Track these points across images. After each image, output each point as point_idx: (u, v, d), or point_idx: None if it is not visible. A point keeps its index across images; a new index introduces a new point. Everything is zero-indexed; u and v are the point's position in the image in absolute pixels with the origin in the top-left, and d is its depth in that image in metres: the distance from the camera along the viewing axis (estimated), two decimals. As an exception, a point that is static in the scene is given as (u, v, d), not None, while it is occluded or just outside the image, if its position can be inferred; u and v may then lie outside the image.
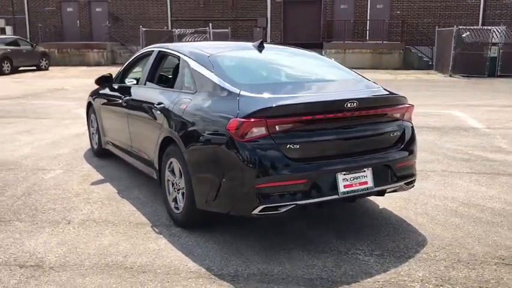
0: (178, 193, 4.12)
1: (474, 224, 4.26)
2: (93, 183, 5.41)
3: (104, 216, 4.45)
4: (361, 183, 3.67)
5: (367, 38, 25.06)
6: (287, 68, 4.58)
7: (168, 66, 5.15)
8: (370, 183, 3.71)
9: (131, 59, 5.73)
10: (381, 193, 3.93)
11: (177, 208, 4.14)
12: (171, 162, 4.17)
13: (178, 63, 4.56)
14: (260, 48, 4.59)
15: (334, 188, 3.57)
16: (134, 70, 5.77)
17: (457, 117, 9.84)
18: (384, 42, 23.94)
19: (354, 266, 3.48)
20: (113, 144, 5.87)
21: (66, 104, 11.67)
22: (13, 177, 5.64)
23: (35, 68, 22.29)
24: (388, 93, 4.11)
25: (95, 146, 6.55)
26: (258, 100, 3.57)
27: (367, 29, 25.32)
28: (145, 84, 5.01)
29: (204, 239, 3.93)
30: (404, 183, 3.99)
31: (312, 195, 3.51)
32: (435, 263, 3.53)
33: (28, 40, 24.31)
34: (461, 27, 20.15)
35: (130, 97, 5.12)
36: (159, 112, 4.36)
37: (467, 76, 19.23)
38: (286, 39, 25.57)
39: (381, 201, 4.76)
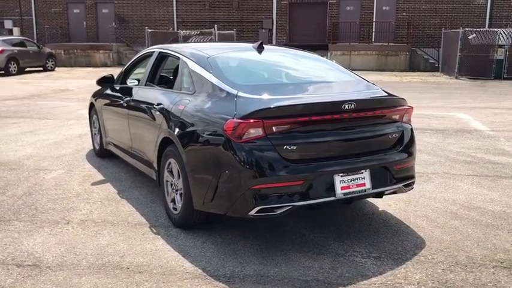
0: (176, 194, 4.13)
1: (474, 226, 4.24)
2: (93, 184, 5.43)
3: (103, 217, 4.46)
4: (358, 185, 3.66)
5: (373, 40, 25.01)
6: (286, 69, 4.57)
7: (169, 67, 5.16)
8: (368, 185, 3.70)
9: (132, 60, 5.74)
10: (379, 195, 3.91)
11: (175, 209, 4.15)
12: (170, 163, 4.18)
13: (178, 64, 4.57)
14: (260, 49, 4.59)
15: (331, 189, 3.56)
16: (136, 71, 5.78)
17: (461, 120, 9.79)
18: (390, 44, 23.89)
19: (351, 268, 3.47)
20: (114, 145, 5.89)
21: (70, 105, 11.72)
22: (15, 177, 5.67)
23: (41, 68, 22.43)
24: (386, 94, 4.09)
25: (97, 147, 6.58)
26: (256, 101, 3.57)
27: (373, 30, 25.27)
28: (145, 85, 5.02)
29: (201, 239, 3.93)
30: (403, 185, 3.97)
31: (309, 196, 3.50)
32: (432, 265, 3.51)
33: (35, 41, 24.45)
34: (467, 29, 20.06)
35: (131, 98, 5.13)
36: (158, 113, 4.37)
37: (473, 78, 19.14)
38: (291, 41, 25.58)
39: (380, 203, 4.74)
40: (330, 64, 4.75)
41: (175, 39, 22.43)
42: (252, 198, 3.43)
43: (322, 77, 4.48)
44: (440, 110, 11.06)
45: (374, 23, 25.29)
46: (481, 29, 20.65)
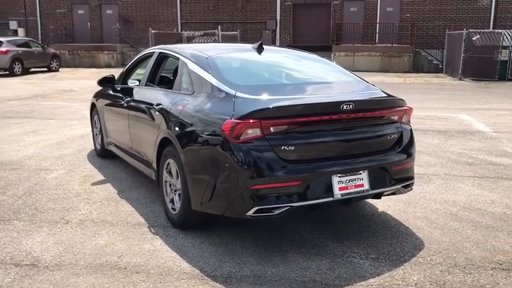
0: (175, 194, 4.13)
1: (473, 228, 4.22)
2: (94, 184, 5.44)
3: (102, 217, 4.46)
4: (356, 186, 3.65)
5: (377, 41, 24.96)
6: (285, 69, 4.57)
7: (168, 68, 5.17)
8: (366, 186, 3.69)
9: (133, 60, 5.76)
10: (378, 196, 3.91)
11: (174, 209, 4.15)
12: (169, 163, 4.18)
13: (178, 65, 4.57)
14: (259, 50, 4.59)
15: (329, 190, 3.55)
16: (137, 71, 5.79)
17: (464, 121, 9.76)
18: (394, 45, 23.83)
19: (348, 269, 3.46)
20: (115, 145, 5.90)
21: (73, 105, 11.76)
22: (16, 177, 5.69)
23: (45, 69, 22.52)
24: (385, 95, 4.08)
25: (98, 147, 6.60)
26: (254, 101, 3.56)
27: (377, 32, 25.21)
28: (145, 86, 5.03)
29: (199, 240, 3.93)
30: (402, 186, 3.95)
31: (307, 197, 3.49)
32: (431, 267, 3.49)
33: (39, 42, 24.55)
34: (471, 30, 19.99)
35: (131, 98, 5.14)
36: (157, 113, 4.37)
37: (477, 80, 19.07)
38: (295, 42, 25.56)
39: (380, 205, 4.73)
40: (330, 65, 4.75)
41: (179, 40, 22.48)
42: (249, 198, 3.43)
43: (321, 78, 4.47)
44: (443, 111, 11.02)
45: (378, 24, 25.24)
46: (485, 30, 20.59)
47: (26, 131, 8.47)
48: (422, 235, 4.05)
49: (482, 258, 3.63)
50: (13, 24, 27.31)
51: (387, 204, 4.74)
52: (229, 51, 4.81)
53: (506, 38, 19.21)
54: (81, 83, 17.73)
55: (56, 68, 22.86)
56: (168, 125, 4.13)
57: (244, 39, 24.62)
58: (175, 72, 4.76)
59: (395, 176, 3.88)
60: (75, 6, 27.78)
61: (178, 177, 4.00)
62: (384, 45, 24.03)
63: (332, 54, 23.50)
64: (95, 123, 6.63)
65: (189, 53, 4.48)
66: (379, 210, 4.63)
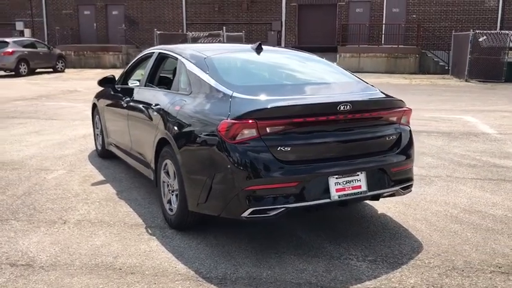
0: (172, 195, 4.12)
1: (474, 230, 4.17)
2: (93, 184, 5.44)
3: (100, 217, 4.45)
4: (354, 187, 3.61)
5: (383, 42, 24.88)
6: (283, 70, 4.55)
7: (167, 68, 5.15)
8: (364, 188, 3.65)
9: (134, 61, 5.75)
10: (376, 197, 3.87)
11: (171, 210, 4.13)
12: (166, 164, 4.16)
13: (176, 65, 4.56)
14: (258, 50, 4.56)
15: (326, 191, 3.52)
16: (137, 72, 5.78)
17: (468, 123, 9.68)
18: (400, 46, 23.72)
19: (345, 271, 3.42)
20: (115, 146, 5.89)
21: (77, 106, 11.78)
22: (16, 177, 5.70)
23: (51, 70, 22.62)
24: (384, 96, 4.03)
25: (99, 147, 6.60)
26: (250, 102, 3.54)
27: (383, 33, 25.14)
28: (145, 86, 5.02)
29: (196, 241, 3.91)
30: (401, 188, 3.91)
31: (303, 198, 3.46)
32: (428, 270, 3.45)
33: (45, 42, 24.66)
34: (477, 31, 19.86)
35: (131, 98, 5.13)
36: (155, 113, 4.36)
37: (483, 81, 18.94)
38: (300, 43, 25.51)
39: (380, 206, 4.69)
40: (329, 65, 4.71)
41: (184, 41, 22.51)
42: (245, 199, 3.40)
43: (319, 78, 4.44)
44: (448, 113, 10.95)
45: (384, 25, 25.16)
46: (492, 31, 20.45)
47: (29, 131, 8.49)
48: (422, 237, 4.01)
49: (481, 261, 3.59)
50: (19, 25, 27.46)
51: (387, 206, 4.70)
52: (227, 51, 4.79)
53: (513, 39, 19.08)
54: (85, 83, 17.77)
55: (61, 68, 22.95)
56: (166, 125, 4.12)
57: (249, 40, 24.59)
58: (174, 72, 4.74)
59: (393, 177, 3.84)
60: (81, 7, 27.90)
61: (175, 178, 3.98)
62: (390, 46, 23.93)
63: (337, 55, 23.44)
64: (96, 123, 6.64)
65: (187, 54, 4.46)
66: (379, 212, 4.59)
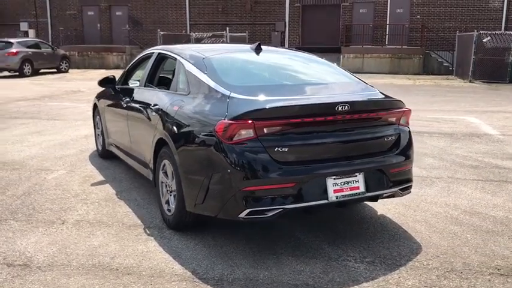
0: (170, 195, 4.11)
1: (473, 232, 4.14)
2: (93, 184, 5.44)
3: (99, 217, 4.45)
4: (352, 188, 3.59)
5: (386, 43, 24.82)
6: (282, 70, 4.53)
7: (167, 68, 5.14)
8: (362, 188, 3.63)
9: (134, 61, 5.75)
10: (374, 199, 3.84)
11: (169, 210, 4.12)
12: (164, 164, 4.15)
13: (175, 65, 4.55)
14: (257, 50, 4.55)
15: (324, 192, 3.50)
16: (138, 72, 5.78)
17: (471, 124, 9.63)
18: (404, 47, 23.65)
19: (342, 272, 3.40)
20: (115, 146, 5.89)
21: (80, 106, 11.80)
22: (16, 177, 5.70)
23: (55, 70, 22.68)
24: (383, 96, 4.01)
25: (100, 148, 6.60)
26: (248, 102, 3.52)
27: (387, 33, 25.08)
28: (144, 86, 5.02)
29: (194, 241, 3.90)
30: (399, 189, 3.88)
31: (300, 199, 3.44)
32: (427, 271, 3.43)
33: (49, 43, 24.73)
34: (482, 32, 19.78)
35: (130, 99, 5.13)
36: (154, 114, 4.36)
37: (487, 82, 18.85)
38: (304, 44, 25.49)
39: (380, 208, 4.66)
40: (328, 65, 4.68)
41: (188, 42, 22.51)
42: (242, 200, 3.39)
43: (318, 79, 4.41)
44: (451, 114, 10.90)
45: (387, 25, 25.09)
46: (496, 32, 20.33)
47: (31, 132, 8.51)
48: (421, 239, 3.98)
49: (480, 263, 3.56)
50: (24, 26, 27.54)
51: (387, 207, 4.67)
52: (226, 52, 4.78)
53: (518, 39, 18.98)
54: (89, 84, 17.79)
55: (65, 69, 23.01)
56: (164, 125, 4.11)
57: (252, 41, 24.51)
58: (173, 72, 4.73)
59: (392, 178, 3.81)
60: (85, 8, 27.97)
61: (173, 178, 3.97)
62: (394, 47, 23.87)
63: (341, 56, 23.40)
64: (97, 124, 6.64)
65: (186, 54, 4.46)
66: (378, 213, 4.57)
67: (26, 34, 26.91)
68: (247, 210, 3.38)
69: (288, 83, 4.17)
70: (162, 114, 4.20)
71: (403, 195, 4.06)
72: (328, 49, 23.75)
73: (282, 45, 25.49)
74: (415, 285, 3.24)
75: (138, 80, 5.45)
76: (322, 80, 4.38)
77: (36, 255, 3.66)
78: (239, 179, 3.38)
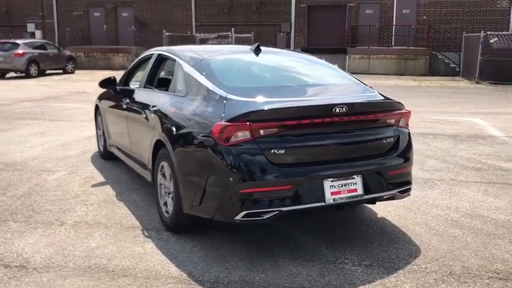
0: (168, 197, 4.10)
1: (474, 235, 4.09)
2: (93, 185, 5.44)
3: (98, 219, 4.44)
4: (349, 191, 3.56)
5: (393, 44, 24.71)
6: (281, 71, 4.51)
7: (166, 70, 5.14)
8: (360, 191, 3.60)
9: (134, 62, 5.75)
10: (372, 201, 3.81)
11: (167, 212, 4.11)
12: (163, 166, 4.15)
13: (174, 67, 4.54)
14: (257, 51, 4.53)
15: (321, 195, 3.47)
16: (138, 73, 5.78)
17: (476, 125, 9.56)
18: (410, 48, 23.56)
19: (339, 275, 3.37)
20: (116, 147, 5.89)
21: (84, 107, 11.82)
22: (17, 178, 5.72)
23: (61, 71, 22.78)
24: (382, 98, 3.97)
25: (101, 149, 6.61)
26: (245, 104, 3.50)
27: (393, 34, 24.98)
28: (144, 87, 5.02)
29: (191, 243, 3.88)
30: (398, 192, 3.85)
31: (297, 201, 3.42)
32: (425, 275, 3.39)
33: (55, 44, 24.86)
34: (489, 32, 19.64)
35: (130, 100, 5.13)
36: (152, 115, 4.35)
37: (494, 83, 18.71)
38: (310, 44, 25.47)
39: (380, 210, 4.63)
40: (328, 67, 4.65)
41: (193, 43, 22.53)
42: (238, 202, 3.37)
43: (317, 80, 4.38)
44: (456, 115, 10.82)
45: (394, 26, 25.00)
46: (504, 33, 20.19)
47: (34, 132, 8.54)
48: (420, 242, 3.95)
49: (480, 266, 3.51)
50: (31, 27, 27.71)
51: (387, 210, 4.63)
52: (226, 53, 4.77)
53: (525, 40, 18.83)
54: (94, 85, 17.69)
55: (71, 70, 23.11)
56: (162, 127, 4.11)
57: (258, 42, 24.55)
58: (172, 74, 4.72)
59: (391, 180, 3.78)
60: (91, 9, 28.09)
61: (171, 180, 3.96)
62: (400, 47, 23.78)
63: (347, 57, 23.34)
64: (99, 125, 6.66)
65: (185, 55, 4.44)
66: (378, 216, 4.53)
67: (32, 35, 27.06)
68: (244, 213, 3.36)
69: (286, 85, 4.14)
70: (161, 115, 4.19)
71: (402, 198, 4.02)
72: (334, 50, 23.72)
73: (287, 46, 25.47)
74: (412, 288, 3.20)
75: (139, 81, 5.45)
76: (320, 81, 4.35)
77: (33, 256, 3.66)
78: (235, 181, 3.36)
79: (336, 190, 3.51)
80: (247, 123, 3.34)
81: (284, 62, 4.74)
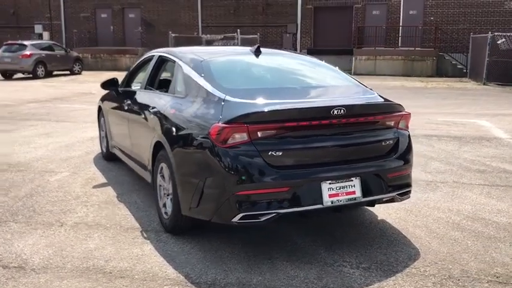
0: (167, 198, 4.10)
1: (475, 238, 4.05)
2: (95, 186, 5.45)
3: (97, 220, 4.46)
4: (348, 193, 3.54)
5: (399, 45, 24.59)
6: (280, 73, 4.49)
7: (166, 71, 5.14)
8: (358, 193, 3.58)
9: (136, 63, 5.77)
10: (371, 204, 3.79)
11: (166, 213, 4.11)
12: (162, 167, 4.15)
13: (174, 68, 4.54)
14: (257, 53, 4.52)
15: (319, 197, 3.45)
16: (140, 74, 5.79)
17: (482, 127, 9.49)
18: (417, 49, 23.42)
19: (337, 278, 3.35)
20: (118, 148, 5.91)
21: (89, 108, 11.84)
22: (20, 179, 5.75)
23: (68, 72, 22.91)
24: (382, 100, 3.95)
25: (104, 150, 6.63)
26: (242, 105, 3.50)
27: (399, 35, 24.86)
28: (145, 89, 5.03)
29: (190, 245, 3.88)
30: (398, 194, 3.82)
31: (294, 204, 3.41)
32: (423, 278, 3.36)
33: (62, 45, 25.01)
34: (496, 33, 19.50)
35: (131, 101, 5.15)
36: (152, 116, 4.36)
37: (502, 85, 18.55)
38: (316, 46, 25.42)
39: (381, 212, 4.60)
40: (328, 68, 4.63)
41: (199, 44, 22.58)
42: (235, 204, 3.36)
43: (316, 82, 4.36)
44: (462, 117, 10.75)
45: (400, 27, 24.88)
46: (511, 34, 20.03)
47: (39, 133, 8.58)
48: (420, 245, 3.92)
49: (479, 270, 3.48)
50: (38, 28, 27.89)
51: (388, 212, 4.61)
52: (226, 54, 4.77)
53: (533, 42, 18.67)
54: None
55: (78, 71, 23.23)
56: (161, 128, 4.11)
57: (264, 43, 24.54)
58: (172, 75, 4.73)
59: (390, 183, 3.75)
60: (99, 10, 28.23)
61: (170, 182, 3.96)
62: (407, 49, 23.65)
63: (353, 58, 23.26)
64: (102, 126, 6.68)
65: (185, 57, 4.45)
66: (379, 218, 4.51)
67: (40, 36, 27.23)
68: (241, 215, 3.36)
69: (285, 86, 4.12)
70: (160, 117, 4.19)
71: (402, 200, 4.00)
72: (340, 51, 23.66)
73: (293, 47, 25.44)
74: (410, 292, 3.18)
75: (140, 83, 5.46)
76: (320, 83, 4.34)
77: (32, 257, 3.68)
78: (232, 183, 3.35)
79: (334, 192, 3.50)
80: (245, 125, 3.33)
81: (284, 63, 4.72)
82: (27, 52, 20.37)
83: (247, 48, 4.72)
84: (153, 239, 4.03)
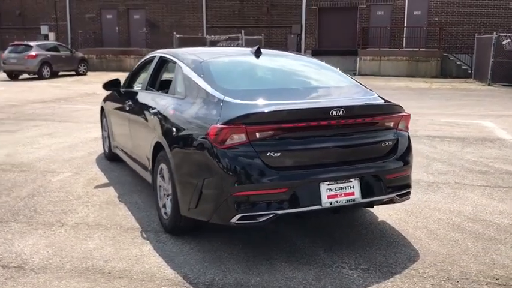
0: (167, 199, 4.10)
1: (475, 240, 4.04)
2: (96, 187, 5.47)
3: (98, 220, 4.47)
4: (346, 194, 3.54)
5: (404, 45, 24.52)
6: (280, 74, 4.50)
7: (167, 72, 5.16)
8: (357, 194, 3.57)
9: (138, 64, 5.78)
10: (370, 205, 3.78)
11: (166, 214, 4.12)
12: (162, 168, 4.16)
13: (175, 69, 4.55)
14: (257, 54, 4.52)
15: (317, 198, 3.45)
16: (141, 75, 5.81)
17: (485, 128, 9.44)
18: (421, 49, 23.36)
19: (335, 279, 3.35)
20: (120, 149, 5.93)
21: (93, 109, 11.88)
22: (23, 179, 5.77)
23: (73, 73, 23.02)
24: (382, 101, 3.95)
25: (106, 150, 6.65)
26: (241, 106, 3.50)
27: (404, 36, 24.79)
28: (146, 90, 5.04)
29: (189, 246, 3.88)
30: (397, 195, 3.81)
31: (293, 205, 3.41)
32: (422, 280, 3.35)
33: (68, 46, 25.12)
34: (501, 34, 19.41)
35: (132, 102, 5.16)
36: (152, 117, 4.37)
37: (507, 85, 18.48)
38: (320, 46, 25.40)
39: (381, 213, 4.59)
40: (328, 69, 4.62)
41: (203, 44, 22.61)
42: (234, 205, 3.37)
43: (315, 82, 4.36)
44: (465, 118, 10.70)
45: (405, 28, 24.82)
46: (516, 34, 19.95)
47: (42, 133, 8.62)
48: (420, 246, 3.90)
49: (479, 272, 3.47)
50: (44, 29, 28.00)
51: (388, 213, 4.59)
52: (226, 55, 4.77)
53: (538, 42, 18.57)
54: (105, 86, 17.98)
55: (83, 71, 23.33)
56: (161, 129, 4.12)
57: (268, 44, 24.57)
58: (172, 76, 4.74)
59: (389, 184, 3.74)
60: (104, 11, 28.33)
61: (169, 182, 3.97)
62: (411, 49, 23.59)
63: (358, 59, 23.23)
64: (104, 126, 6.70)
65: (186, 58, 4.45)
66: (379, 219, 4.49)
67: (46, 37, 27.33)
68: (239, 215, 3.36)
69: (284, 87, 4.12)
70: (160, 117, 4.21)
71: (401, 202, 3.99)
72: (344, 52, 23.63)
73: (298, 48, 25.42)
74: (408, 294, 3.17)
75: (141, 83, 5.48)
76: (320, 83, 4.33)
77: (32, 257, 3.69)
78: (231, 184, 3.35)
79: (333, 193, 3.49)
80: (243, 125, 3.34)
81: (284, 64, 4.72)
82: (33, 53, 20.48)
83: (248, 49, 4.72)
84: (152, 239, 4.03)
